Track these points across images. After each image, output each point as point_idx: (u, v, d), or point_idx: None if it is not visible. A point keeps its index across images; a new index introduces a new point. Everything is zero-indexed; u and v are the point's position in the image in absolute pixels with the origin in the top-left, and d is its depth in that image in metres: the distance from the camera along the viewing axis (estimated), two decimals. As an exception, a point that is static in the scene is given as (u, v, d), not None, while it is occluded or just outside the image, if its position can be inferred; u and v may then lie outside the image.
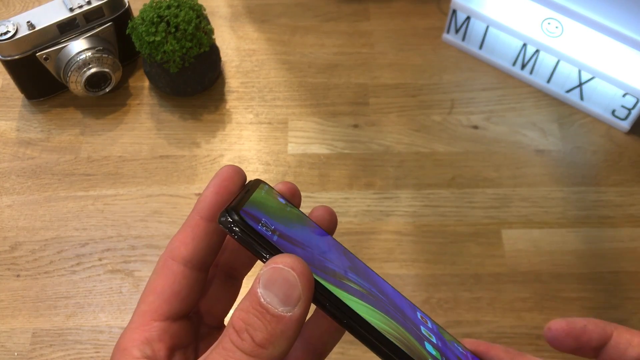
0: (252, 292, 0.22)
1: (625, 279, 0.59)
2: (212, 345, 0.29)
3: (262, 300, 0.22)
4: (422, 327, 0.28)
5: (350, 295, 0.24)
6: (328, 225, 0.30)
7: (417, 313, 0.29)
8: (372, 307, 0.25)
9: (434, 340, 0.27)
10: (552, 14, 0.66)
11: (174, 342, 0.26)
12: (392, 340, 0.24)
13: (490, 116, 0.70)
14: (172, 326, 0.26)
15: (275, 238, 0.23)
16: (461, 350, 0.29)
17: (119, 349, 0.26)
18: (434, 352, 0.26)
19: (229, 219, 0.23)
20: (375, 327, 0.24)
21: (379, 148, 0.67)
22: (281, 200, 0.28)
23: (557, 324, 0.27)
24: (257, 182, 0.28)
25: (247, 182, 0.28)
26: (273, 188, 0.29)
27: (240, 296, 0.32)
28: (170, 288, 0.26)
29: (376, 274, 0.29)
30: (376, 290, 0.27)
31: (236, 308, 0.23)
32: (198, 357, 0.28)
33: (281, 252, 0.23)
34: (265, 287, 0.22)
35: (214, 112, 0.70)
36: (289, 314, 0.22)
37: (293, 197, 0.30)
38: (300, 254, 0.24)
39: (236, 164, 0.66)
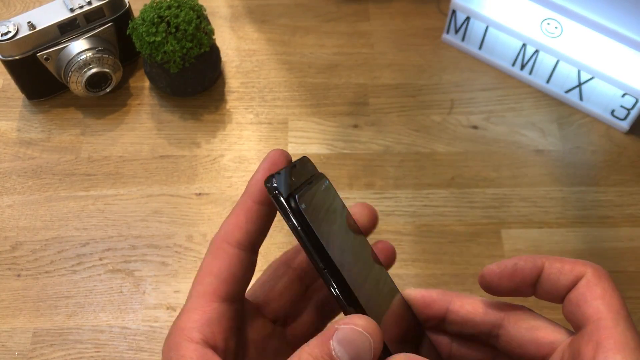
0: (324, 342, 0.23)
1: (625, 279, 0.59)
2: (258, 330, 0.30)
3: (334, 353, 0.23)
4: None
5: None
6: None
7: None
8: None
9: None
10: (552, 14, 0.66)
11: (230, 324, 0.27)
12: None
13: (489, 116, 0.70)
14: (229, 308, 0.27)
15: (327, 243, 0.25)
16: None
17: (177, 327, 0.26)
18: None
19: (290, 203, 0.24)
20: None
21: (379, 148, 0.67)
22: (338, 201, 0.29)
23: (489, 269, 0.27)
24: (322, 176, 0.28)
25: (306, 163, 0.29)
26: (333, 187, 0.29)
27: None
28: (228, 270, 0.27)
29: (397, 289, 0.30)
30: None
31: (303, 349, 0.24)
32: (247, 341, 0.29)
33: (328, 255, 0.24)
34: (340, 342, 0.23)
35: (214, 112, 0.70)
36: None
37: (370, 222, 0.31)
38: (344, 260, 0.25)
39: (236, 164, 0.66)
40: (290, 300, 0.32)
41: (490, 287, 0.28)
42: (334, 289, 0.25)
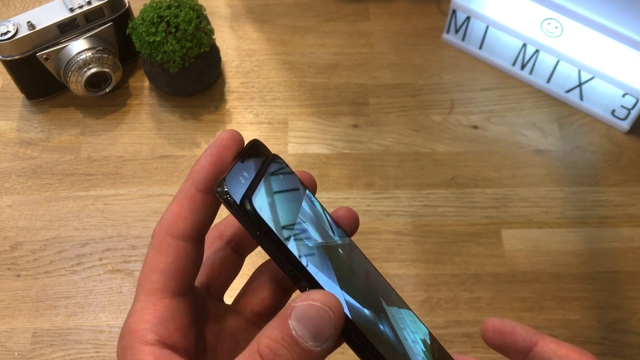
0: (283, 322, 0.22)
1: (625, 279, 0.59)
2: (211, 314, 0.28)
3: (294, 332, 0.22)
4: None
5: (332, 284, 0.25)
6: (349, 226, 0.30)
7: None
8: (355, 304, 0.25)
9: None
10: (552, 14, 0.66)
11: (186, 318, 0.26)
12: (375, 344, 0.24)
13: (490, 116, 0.70)
14: (182, 302, 0.26)
15: (272, 223, 0.24)
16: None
17: (128, 330, 0.25)
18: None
19: (245, 208, 0.23)
20: (362, 330, 0.24)
21: (379, 148, 0.67)
22: (289, 183, 0.28)
23: (491, 321, 0.28)
24: (275, 158, 0.27)
25: (258, 147, 0.27)
26: (287, 166, 0.28)
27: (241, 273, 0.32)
28: (174, 264, 0.26)
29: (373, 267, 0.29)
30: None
31: (263, 334, 0.22)
32: (204, 329, 0.28)
33: (271, 229, 0.23)
34: (299, 320, 0.22)
35: (214, 112, 0.70)
36: (318, 348, 0.22)
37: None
38: (294, 235, 0.24)
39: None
40: (230, 275, 0.31)
41: (484, 334, 0.28)
42: (297, 280, 0.24)
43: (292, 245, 0.24)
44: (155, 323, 0.25)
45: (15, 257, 0.60)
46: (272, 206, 0.25)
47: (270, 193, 0.25)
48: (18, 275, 0.59)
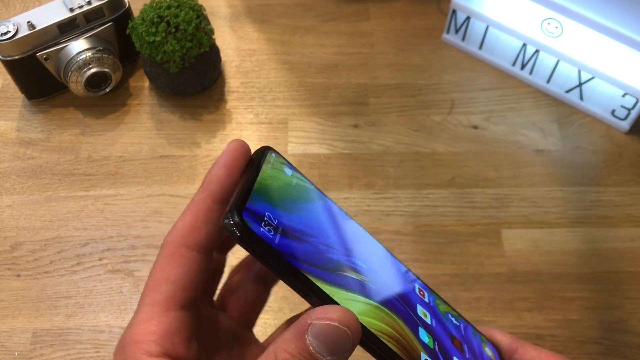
0: (299, 337, 0.22)
1: (625, 279, 0.59)
2: (204, 323, 0.28)
3: (312, 349, 0.22)
4: (418, 306, 0.27)
5: (349, 294, 0.24)
6: None
7: (416, 285, 0.29)
8: (371, 302, 0.25)
9: (428, 320, 0.27)
10: (552, 14, 0.66)
11: (190, 331, 0.26)
12: (389, 345, 0.24)
13: (490, 116, 0.70)
14: (187, 315, 0.26)
15: (277, 240, 0.23)
16: (455, 321, 0.29)
17: (131, 341, 0.24)
18: (427, 340, 0.26)
19: (231, 222, 0.22)
20: (375, 333, 0.24)
21: (379, 148, 0.67)
22: (287, 171, 0.27)
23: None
24: (264, 151, 0.27)
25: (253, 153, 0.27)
26: (280, 155, 0.28)
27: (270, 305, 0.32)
28: (187, 276, 0.25)
29: (373, 238, 0.29)
30: (376, 267, 0.27)
31: (279, 347, 0.22)
32: (203, 340, 0.28)
33: (282, 257, 0.23)
34: (316, 337, 0.22)
35: (214, 112, 0.70)
36: None
37: None
38: (301, 249, 0.24)
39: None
40: (258, 306, 0.31)
41: None
42: (308, 297, 0.23)
43: (304, 267, 0.23)
44: (160, 335, 0.24)
45: (15, 257, 0.60)
46: (274, 216, 0.24)
47: (271, 194, 0.25)
48: (18, 275, 0.59)
